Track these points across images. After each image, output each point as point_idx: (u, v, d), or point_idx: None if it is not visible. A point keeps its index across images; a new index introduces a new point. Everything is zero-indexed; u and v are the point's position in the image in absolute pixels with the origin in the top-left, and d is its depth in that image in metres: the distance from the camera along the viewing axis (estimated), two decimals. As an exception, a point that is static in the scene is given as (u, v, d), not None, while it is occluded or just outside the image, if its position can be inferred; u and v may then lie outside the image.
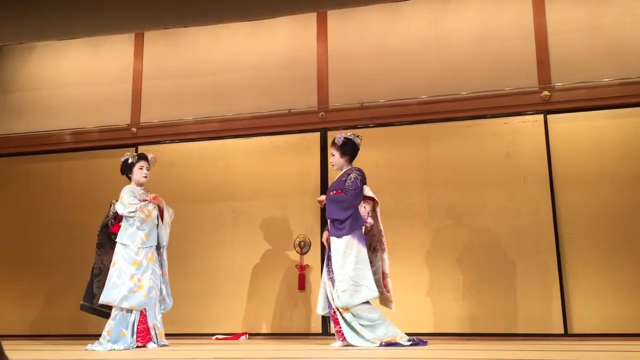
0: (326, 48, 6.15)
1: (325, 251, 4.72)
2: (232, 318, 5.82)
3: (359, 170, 4.65)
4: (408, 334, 4.72)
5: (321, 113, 5.99)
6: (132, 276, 4.53)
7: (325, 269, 4.52)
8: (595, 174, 5.28)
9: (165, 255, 4.83)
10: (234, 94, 6.31)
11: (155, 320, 4.60)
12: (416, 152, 5.72)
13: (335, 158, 4.71)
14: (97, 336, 4.58)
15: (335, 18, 6.18)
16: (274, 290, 5.80)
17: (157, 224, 4.75)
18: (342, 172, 4.69)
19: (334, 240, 4.42)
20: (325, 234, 4.67)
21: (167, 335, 4.86)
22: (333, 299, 4.34)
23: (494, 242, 5.37)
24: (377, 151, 5.81)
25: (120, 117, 6.54)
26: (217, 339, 5.54)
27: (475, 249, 5.41)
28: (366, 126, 5.90)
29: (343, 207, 4.45)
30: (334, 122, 5.95)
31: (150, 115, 6.49)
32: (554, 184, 5.33)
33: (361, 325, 4.24)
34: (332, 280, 4.39)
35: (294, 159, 5.97)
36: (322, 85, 6.09)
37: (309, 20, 6.23)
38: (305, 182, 5.88)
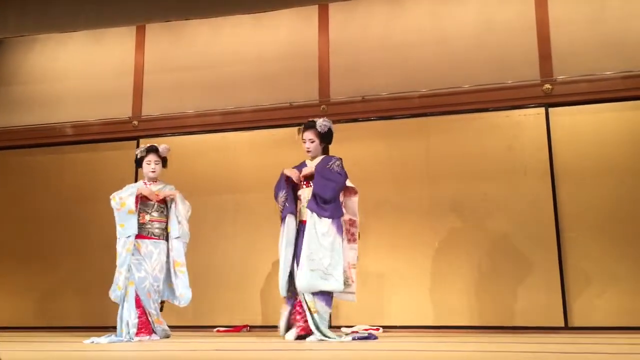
0: (328, 41, 6.13)
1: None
2: (234, 310, 5.83)
3: (340, 158, 4.46)
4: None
5: (323, 106, 5.98)
6: (116, 268, 4.55)
7: (289, 249, 4.33)
8: (597, 167, 5.27)
9: (177, 246, 4.63)
10: (235, 87, 6.30)
11: (150, 309, 4.54)
12: (418, 145, 5.72)
13: (314, 144, 4.49)
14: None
15: (337, 11, 6.17)
16: (275, 282, 5.79)
17: (138, 214, 4.60)
18: (320, 159, 4.50)
19: (313, 217, 4.20)
20: (292, 218, 4.37)
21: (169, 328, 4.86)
22: (296, 281, 4.21)
23: (494, 235, 5.37)
24: (378, 144, 5.81)
25: (122, 110, 6.54)
26: (218, 331, 5.56)
27: (476, 242, 5.41)
28: (368, 119, 5.89)
29: (333, 187, 4.27)
30: (335, 115, 5.92)
31: (151, 108, 6.49)
32: (555, 177, 5.33)
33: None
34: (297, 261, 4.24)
35: (296, 151, 5.91)
36: (323, 78, 6.07)
37: (311, 13, 6.21)
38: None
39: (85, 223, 6.38)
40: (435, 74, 5.78)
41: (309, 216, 4.26)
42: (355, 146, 5.83)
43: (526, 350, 3.27)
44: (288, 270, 4.35)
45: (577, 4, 5.58)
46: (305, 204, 4.36)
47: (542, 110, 5.46)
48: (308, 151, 4.55)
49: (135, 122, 6.43)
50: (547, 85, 5.45)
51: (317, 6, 6.16)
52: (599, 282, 5.09)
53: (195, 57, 6.49)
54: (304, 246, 4.20)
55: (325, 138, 4.55)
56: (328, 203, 4.25)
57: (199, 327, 5.76)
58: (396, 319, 5.42)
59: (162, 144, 4.98)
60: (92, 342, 4.31)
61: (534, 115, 5.48)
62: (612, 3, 5.50)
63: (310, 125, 4.53)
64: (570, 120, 5.43)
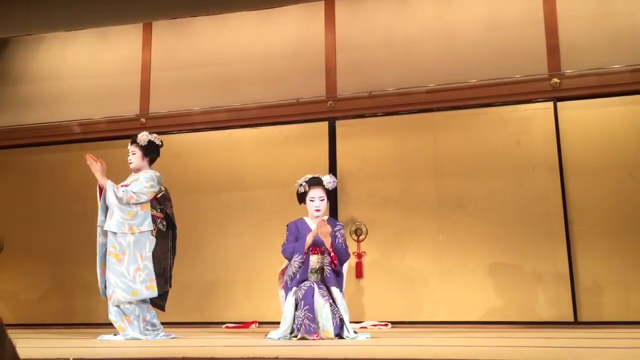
0: (334, 37, 6.12)
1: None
2: (242, 307, 5.84)
3: (343, 226, 4.20)
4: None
5: (329, 102, 5.97)
6: None
7: (319, 295, 3.84)
8: (605, 162, 5.24)
9: (108, 241, 4.43)
10: (241, 84, 6.30)
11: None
12: (425, 141, 5.70)
13: (324, 203, 4.10)
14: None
15: (343, 7, 6.15)
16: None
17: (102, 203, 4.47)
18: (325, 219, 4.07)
19: (337, 291, 3.93)
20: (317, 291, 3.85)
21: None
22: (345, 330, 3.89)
23: (503, 230, 5.35)
24: (385, 140, 5.80)
25: (129, 107, 6.56)
26: (227, 327, 5.57)
27: (484, 237, 5.39)
28: (374, 115, 5.88)
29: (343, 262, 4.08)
30: (342, 111, 5.94)
31: (158, 105, 6.50)
32: (564, 171, 5.30)
33: None
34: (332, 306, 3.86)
35: (302, 148, 5.96)
36: (330, 74, 6.07)
37: (317, 9, 6.20)
38: (313, 171, 5.72)
39: (93, 221, 6.38)
40: (442, 69, 5.76)
41: (335, 291, 3.92)
42: (362, 142, 5.83)
43: (536, 345, 3.26)
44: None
45: (584, -2, 5.55)
46: (313, 271, 4.03)
47: (551, 104, 5.43)
48: (317, 210, 4.08)
49: (143, 120, 6.45)
50: (555, 80, 5.42)
51: (323, 3, 6.16)
52: (608, 277, 5.07)
53: (201, 54, 6.49)
54: (347, 322, 3.89)
55: (331, 196, 4.21)
56: (339, 274, 4.01)
57: (208, 324, 5.77)
58: (404, 315, 5.41)
59: (143, 132, 4.85)
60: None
61: (542, 110, 5.45)
62: (620, -4, 5.47)
63: (318, 182, 4.12)
64: (579, 115, 5.40)
